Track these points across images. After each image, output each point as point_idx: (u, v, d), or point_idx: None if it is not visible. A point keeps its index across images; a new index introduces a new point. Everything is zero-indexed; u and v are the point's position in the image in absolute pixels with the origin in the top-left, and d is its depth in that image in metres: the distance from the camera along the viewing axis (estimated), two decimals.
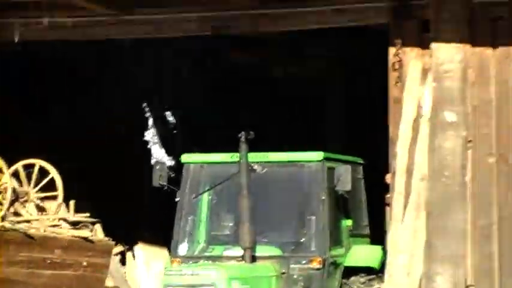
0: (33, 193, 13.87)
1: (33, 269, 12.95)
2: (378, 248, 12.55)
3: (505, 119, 11.17)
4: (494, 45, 11.46)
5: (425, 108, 11.88)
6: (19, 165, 13.79)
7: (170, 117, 18.36)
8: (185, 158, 12.53)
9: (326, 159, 11.92)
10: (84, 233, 13.90)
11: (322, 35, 14.38)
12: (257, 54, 17.84)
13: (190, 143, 17.26)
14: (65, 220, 13.91)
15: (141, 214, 18.43)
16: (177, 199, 12.54)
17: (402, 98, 11.92)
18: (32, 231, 12.90)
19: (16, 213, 13.53)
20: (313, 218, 11.84)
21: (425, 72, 11.69)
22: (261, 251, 11.55)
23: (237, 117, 17.51)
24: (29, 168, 13.94)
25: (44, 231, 13.22)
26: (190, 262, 11.80)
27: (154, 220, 17.86)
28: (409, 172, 11.85)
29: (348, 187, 11.73)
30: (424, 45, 11.79)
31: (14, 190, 13.47)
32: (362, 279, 11.82)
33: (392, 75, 12.02)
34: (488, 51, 11.50)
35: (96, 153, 18.10)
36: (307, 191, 12.17)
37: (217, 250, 12.23)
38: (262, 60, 18.22)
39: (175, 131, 18.77)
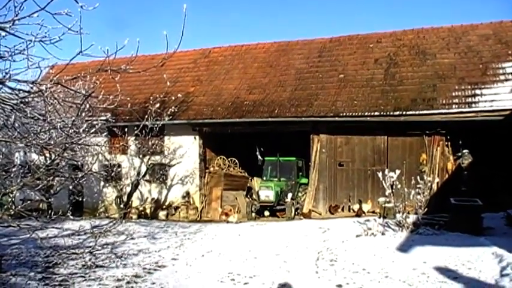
0: (232, 165, 25.36)
1: (230, 181, 24.36)
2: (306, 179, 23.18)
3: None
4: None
5: (316, 150, 22.05)
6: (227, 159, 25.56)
7: (259, 154, 23.55)
8: (266, 159, 23.89)
9: (296, 158, 23.55)
10: (242, 172, 25.60)
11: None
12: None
13: (263, 156, 23.95)
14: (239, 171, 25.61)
15: (256, 168, 25.08)
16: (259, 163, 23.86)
17: (312, 147, 22.00)
18: (230, 172, 24.84)
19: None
20: (293, 171, 23.30)
21: (318, 141, 21.98)
22: (282, 178, 23.09)
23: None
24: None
25: (234, 172, 25.32)
26: (266, 180, 23.36)
27: (261, 169, 24.58)
28: (314, 163, 21.94)
29: (301, 164, 23.48)
30: (318, 135, 22.00)
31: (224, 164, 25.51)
32: (303, 188, 22.98)
33: (312, 143, 22.16)
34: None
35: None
36: (292, 165, 23.49)
37: (271, 178, 23.48)
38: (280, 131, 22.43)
39: (260, 156, 23.66)
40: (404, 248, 12.22)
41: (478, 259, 10.38)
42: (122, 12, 79.15)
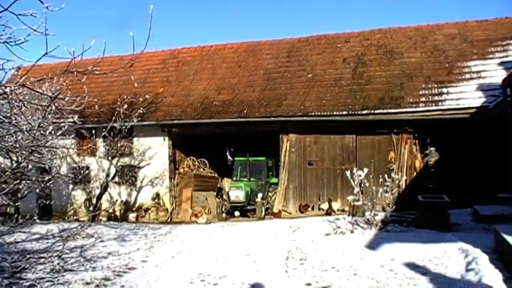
0: (202, 166, 25.31)
1: (201, 182, 24.21)
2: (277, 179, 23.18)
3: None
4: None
5: (286, 149, 22.15)
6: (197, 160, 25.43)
7: (229, 154, 24.14)
8: (236, 159, 24.05)
9: (266, 158, 23.47)
10: (212, 173, 25.60)
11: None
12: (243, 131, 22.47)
13: (233, 156, 24.34)
14: (209, 172, 25.61)
15: (226, 168, 25.13)
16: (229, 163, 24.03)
17: (282, 147, 22.09)
18: (200, 173, 24.97)
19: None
20: (263, 171, 23.31)
21: (287, 141, 22.07)
22: (252, 178, 23.03)
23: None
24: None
25: (204, 173, 25.37)
26: (236, 180, 23.30)
27: (231, 169, 24.54)
28: (284, 162, 22.02)
29: (270, 164, 23.53)
30: (287, 134, 22.07)
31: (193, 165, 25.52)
32: (273, 187, 23.03)
33: (281, 143, 22.20)
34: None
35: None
36: (262, 165, 23.45)
37: (241, 178, 23.39)
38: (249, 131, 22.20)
39: (230, 157, 24.20)
40: (372, 245, 12.35)
41: (444, 255, 10.56)
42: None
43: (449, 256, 10.41)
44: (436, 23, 25.21)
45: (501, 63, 20.61)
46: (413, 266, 9.97)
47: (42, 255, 12.54)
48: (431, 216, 13.92)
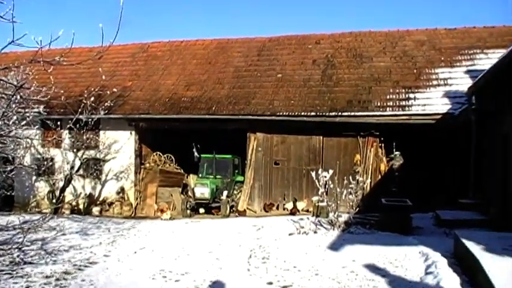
0: (168, 161, 25.11)
1: (166, 178, 24.10)
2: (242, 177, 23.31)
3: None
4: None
5: (252, 148, 22.21)
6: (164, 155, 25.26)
7: (195, 151, 23.58)
8: (202, 156, 23.71)
9: (232, 156, 23.44)
10: (178, 169, 25.48)
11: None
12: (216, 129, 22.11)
13: (199, 153, 23.78)
14: (175, 167, 25.29)
15: (193, 165, 24.48)
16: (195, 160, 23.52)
17: (248, 145, 22.13)
18: (166, 168, 24.77)
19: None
20: (229, 169, 23.09)
21: (255, 140, 22.11)
22: (218, 175, 22.82)
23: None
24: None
25: (170, 168, 25.21)
26: (202, 177, 23.16)
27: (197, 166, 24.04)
28: (250, 161, 22.11)
29: (237, 162, 23.46)
30: (255, 133, 22.12)
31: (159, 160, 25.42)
32: (239, 185, 23.07)
33: (248, 141, 22.19)
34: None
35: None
36: (228, 163, 23.32)
37: (207, 175, 23.16)
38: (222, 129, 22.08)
39: (196, 153, 23.71)
40: (335, 246, 12.43)
41: (405, 258, 10.68)
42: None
43: (409, 259, 10.54)
44: (406, 28, 25.74)
45: (467, 72, 20.94)
46: (374, 268, 10.07)
47: (1, 247, 12.29)
48: (394, 219, 14.06)
